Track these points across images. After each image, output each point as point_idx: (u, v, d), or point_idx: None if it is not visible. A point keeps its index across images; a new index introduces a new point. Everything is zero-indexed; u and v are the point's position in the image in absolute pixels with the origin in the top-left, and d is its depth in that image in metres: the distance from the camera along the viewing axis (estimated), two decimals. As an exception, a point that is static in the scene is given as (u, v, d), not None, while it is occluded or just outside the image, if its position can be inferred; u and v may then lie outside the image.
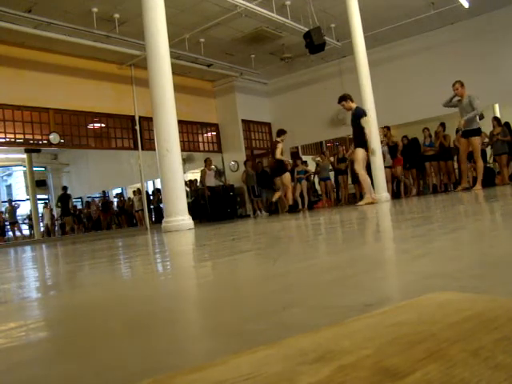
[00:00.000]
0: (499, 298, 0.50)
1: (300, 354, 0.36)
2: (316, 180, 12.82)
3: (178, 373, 0.36)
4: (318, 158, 12.29)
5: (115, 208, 15.71)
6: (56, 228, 14.92)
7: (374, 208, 5.61)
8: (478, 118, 7.44)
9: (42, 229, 14.72)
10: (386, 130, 10.63)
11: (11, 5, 7.33)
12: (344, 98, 7.36)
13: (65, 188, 14.50)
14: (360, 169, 7.28)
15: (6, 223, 14.78)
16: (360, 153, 7.26)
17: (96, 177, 17.04)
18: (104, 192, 16.07)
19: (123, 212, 14.82)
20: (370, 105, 8.46)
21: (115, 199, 16.47)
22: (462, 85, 7.39)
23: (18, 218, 15.11)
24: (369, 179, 7.49)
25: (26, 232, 15.31)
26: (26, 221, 15.68)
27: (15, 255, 4.90)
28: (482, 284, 0.74)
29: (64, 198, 14.19)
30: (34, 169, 15.32)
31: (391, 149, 10.48)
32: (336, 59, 11.82)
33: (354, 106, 7.38)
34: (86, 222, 15.47)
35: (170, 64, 5.85)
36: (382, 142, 9.56)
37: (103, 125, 10.46)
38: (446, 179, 10.56)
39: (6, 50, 8.49)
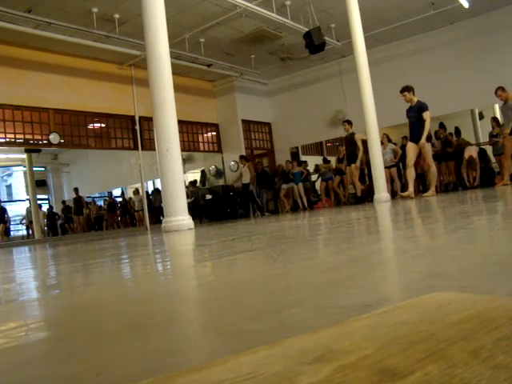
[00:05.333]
0: (499, 298, 0.50)
1: (300, 354, 0.36)
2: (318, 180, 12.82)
3: (177, 373, 0.36)
4: (318, 165, 12.34)
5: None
6: (46, 228, 15.09)
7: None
8: None
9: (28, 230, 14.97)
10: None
11: (11, 5, 7.32)
12: (407, 89, 7.42)
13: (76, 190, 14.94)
14: (432, 162, 7.54)
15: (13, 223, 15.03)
16: (428, 147, 7.46)
17: (96, 177, 17.03)
18: (110, 193, 16.13)
19: (126, 212, 14.85)
20: (370, 105, 8.46)
21: (118, 199, 16.50)
22: (504, 90, 7.58)
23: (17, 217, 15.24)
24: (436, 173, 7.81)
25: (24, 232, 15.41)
26: (24, 221, 15.68)
27: (18, 255, 4.90)
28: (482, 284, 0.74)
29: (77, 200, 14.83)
30: (34, 169, 15.32)
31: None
32: (336, 59, 11.81)
33: (415, 99, 7.44)
34: (86, 223, 15.51)
35: (170, 64, 5.85)
36: (382, 144, 9.60)
37: (103, 125, 10.46)
38: (446, 179, 10.56)
39: (6, 50, 8.49)
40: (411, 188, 7.63)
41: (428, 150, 7.48)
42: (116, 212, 15.21)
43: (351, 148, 9.49)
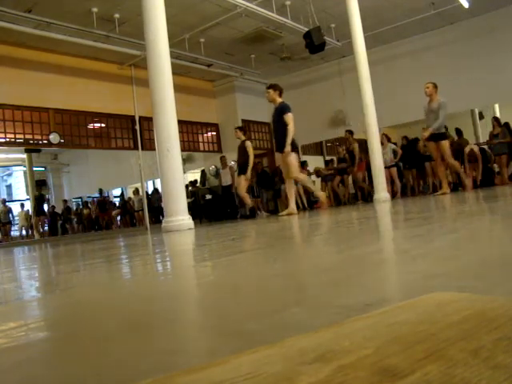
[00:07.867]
0: (499, 298, 0.50)
1: (300, 354, 0.36)
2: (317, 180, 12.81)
3: (177, 373, 0.36)
4: (318, 168, 12.32)
5: (116, 208, 15.66)
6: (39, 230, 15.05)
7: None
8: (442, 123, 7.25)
9: (17, 232, 14.94)
10: (347, 134, 10.57)
11: (11, 5, 7.32)
12: (273, 87, 6.66)
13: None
14: (299, 175, 6.68)
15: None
16: (295, 158, 6.45)
17: (96, 177, 17.04)
18: (101, 190, 15.80)
19: (126, 212, 14.80)
20: (370, 105, 8.46)
21: (116, 199, 16.43)
22: (435, 86, 7.09)
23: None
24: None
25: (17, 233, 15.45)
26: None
27: (18, 255, 4.90)
28: (482, 284, 0.74)
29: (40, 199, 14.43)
30: (34, 169, 15.34)
31: (349, 154, 10.52)
32: (336, 59, 11.81)
33: (279, 99, 6.59)
34: (86, 223, 15.47)
35: (170, 64, 5.85)
36: (382, 145, 9.57)
37: (103, 125, 10.47)
38: (449, 179, 10.58)
39: (6, 49, 8.49)
40: (292, 204, 6.65)
41: (292, 159, 6.36)
42: (107, 211, 14.94)
43: (243, 157, 8.16)
